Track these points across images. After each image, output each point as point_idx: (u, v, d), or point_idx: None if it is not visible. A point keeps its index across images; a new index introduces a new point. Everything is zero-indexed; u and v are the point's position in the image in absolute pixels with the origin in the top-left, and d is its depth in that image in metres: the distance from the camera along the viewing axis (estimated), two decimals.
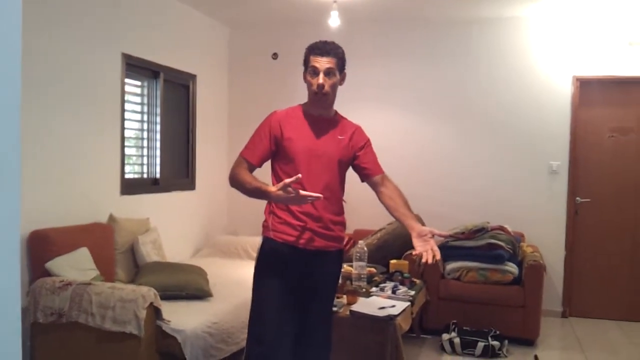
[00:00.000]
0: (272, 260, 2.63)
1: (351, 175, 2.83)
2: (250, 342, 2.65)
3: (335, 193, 2.69)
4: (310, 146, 2.62)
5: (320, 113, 2.69)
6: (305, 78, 2.68)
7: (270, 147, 2.63)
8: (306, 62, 2.66)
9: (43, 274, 3.47)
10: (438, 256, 2.42)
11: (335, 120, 2.74)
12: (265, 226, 2.68)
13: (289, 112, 2.71)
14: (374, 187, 2.77)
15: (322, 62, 2.59)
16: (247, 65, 6.16)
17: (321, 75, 2.59)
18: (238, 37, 6.18)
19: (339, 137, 2.69)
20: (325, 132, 2.67)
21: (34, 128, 3.65)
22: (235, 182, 2.59)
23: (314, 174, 2.60)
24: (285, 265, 2.60)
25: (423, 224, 5.21)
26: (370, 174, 2.76)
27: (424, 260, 2.42)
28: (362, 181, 2.81)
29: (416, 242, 2.47)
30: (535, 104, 5.36)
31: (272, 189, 2.42)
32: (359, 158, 2.75)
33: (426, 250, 2.42)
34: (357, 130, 2.78)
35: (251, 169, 2.62)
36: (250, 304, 2.69)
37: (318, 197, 2.37)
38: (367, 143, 2.78)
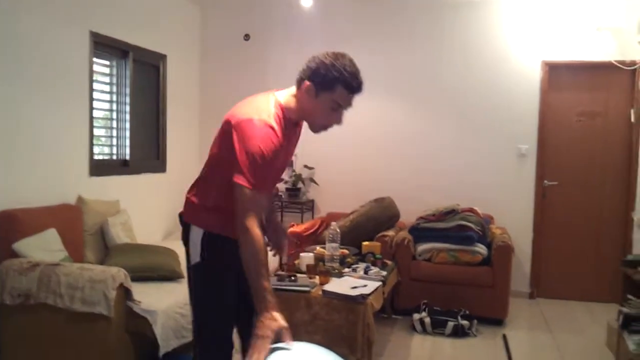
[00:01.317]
0: (222, 259, 2.19)
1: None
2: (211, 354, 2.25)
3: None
4: (284, 160, 2.28)
5: (297, 119, 2.25)
6: (314, 97, 2.11)
7: None
8: (330, 86, 2.08)
9: (10, 255, 3.40)
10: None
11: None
12: (202, 218, 2.22)
13: (279, 123, 2.12)
14: None
15: (351, 102, 2.16)
16: (219, 46, 6.09)
17: (343, 114, 2.18)
18: (209, 17, 6.10)
19: (294, 142, 2.37)
20: (291, 141, 2.29)
21: None
22: (253, 250, 1.95)
23: (274, 181, 2.44)
24: (234, 264, 2.08)
25: (395, 207, 5.21)
26: None
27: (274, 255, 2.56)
28: None
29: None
30: (505, 88, 5.42)
31: (276, 312, 1.88)
32: None
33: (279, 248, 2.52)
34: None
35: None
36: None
37: None
38: None
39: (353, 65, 2.13)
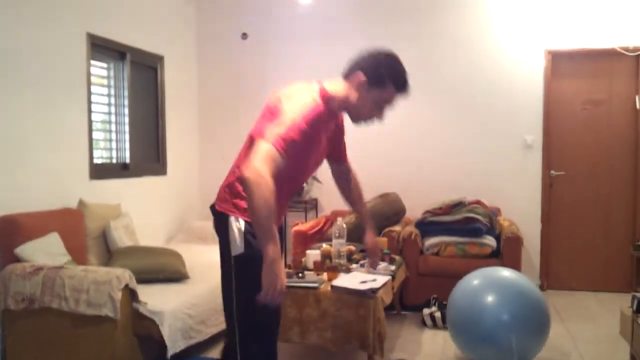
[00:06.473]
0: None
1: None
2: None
3: None
4: (318, 148, 2.20)
5: (339, 109, 2.22)
6: (365, 90, 2.12)
7: None
8: (382, 83, 2.12)
9: (13, 260, 3.34)
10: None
11: None
12: (240, 207, 2.13)
13: (325, 101, 2.11)
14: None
15: (395, 101, 2.19)
16: (216, 45, 6.03)
17: (385, 111, 2.20)
18: (206, 17, 6.04)
19: (331, 135, 2.33)
20: (328, 131, 2.26)
21: None
22: (264, 197, 1.79)
23: (310, 169, 2.28)
24: None
25: (400, 202, 5.13)
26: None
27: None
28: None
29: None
30: (508, 79, 5.36)
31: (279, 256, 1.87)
32: None
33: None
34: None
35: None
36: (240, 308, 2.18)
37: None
38: None
39: (403, 66, 2.18)
